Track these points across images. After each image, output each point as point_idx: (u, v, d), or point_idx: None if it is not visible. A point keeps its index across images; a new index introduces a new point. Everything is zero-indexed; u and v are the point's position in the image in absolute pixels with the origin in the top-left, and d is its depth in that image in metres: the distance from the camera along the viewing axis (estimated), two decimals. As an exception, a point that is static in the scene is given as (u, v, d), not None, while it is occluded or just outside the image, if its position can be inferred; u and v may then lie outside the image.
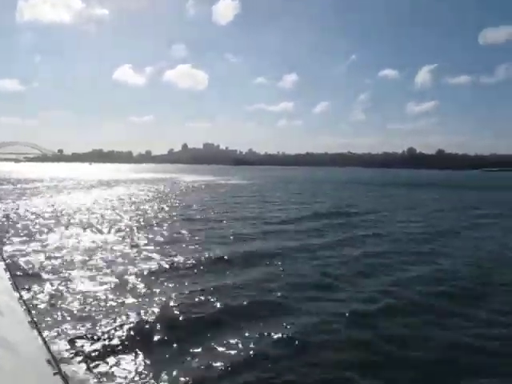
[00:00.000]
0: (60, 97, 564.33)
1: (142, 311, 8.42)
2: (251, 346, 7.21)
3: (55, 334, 7.19)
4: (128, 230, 18.84)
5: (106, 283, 10.21)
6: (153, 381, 6.05)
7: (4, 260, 9.12)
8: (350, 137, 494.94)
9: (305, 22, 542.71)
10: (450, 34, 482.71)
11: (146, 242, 15.83)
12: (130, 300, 9.13)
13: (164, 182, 63.19)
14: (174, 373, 6.24)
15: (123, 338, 7.30)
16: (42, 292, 9.37)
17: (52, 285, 9.89)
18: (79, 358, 6.40)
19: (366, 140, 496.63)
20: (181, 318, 8.26)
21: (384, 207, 31.68)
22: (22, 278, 10.10)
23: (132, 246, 14.84)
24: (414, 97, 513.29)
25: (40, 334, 3.90)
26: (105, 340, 7.14)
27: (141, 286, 10.24)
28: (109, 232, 18.10)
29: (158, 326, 7.83)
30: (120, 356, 6.66)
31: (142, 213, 25.32)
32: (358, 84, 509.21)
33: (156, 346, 7.17)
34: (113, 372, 6.18)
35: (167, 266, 12.02)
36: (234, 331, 7.74)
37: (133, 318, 8.09)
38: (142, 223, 20.89)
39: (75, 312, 8.27)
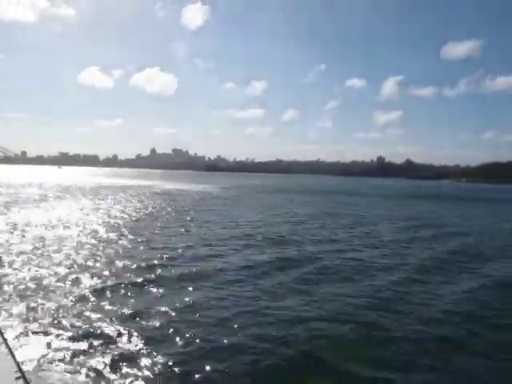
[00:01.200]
0: (23, 97, 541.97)
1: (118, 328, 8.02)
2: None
3: (24, 348, 7.02)
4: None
5: (82, 298, 9.66)
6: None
7: None
8: (318, 144, 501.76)
9: (275, 31, 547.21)
10: (415, 48, 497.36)
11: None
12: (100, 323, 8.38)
13: (150, 190, 59.94)
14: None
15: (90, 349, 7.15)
16: (11, 308, 8.81)
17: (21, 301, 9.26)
18: (48, 373, 6.32)
19: (333, 147, 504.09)
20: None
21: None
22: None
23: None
24: (380, 107, 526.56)
25: (8, 348, 3.79)
26: (77, 356, 6.92)
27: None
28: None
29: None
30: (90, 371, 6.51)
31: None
32: (327, 92, 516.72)
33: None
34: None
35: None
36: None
37: (105, 336, 7.73)
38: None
39: (46, 328, 7.93)
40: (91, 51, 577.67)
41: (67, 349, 7.10)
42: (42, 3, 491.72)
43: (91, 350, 7.12)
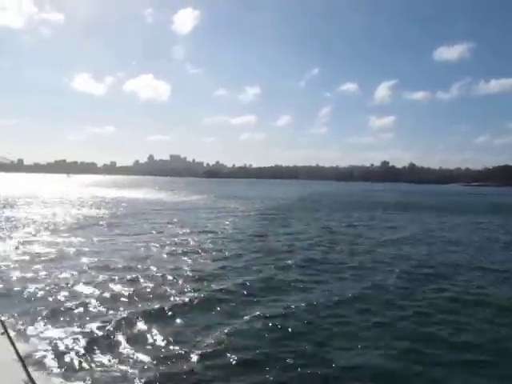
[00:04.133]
0: (14, 104, 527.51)
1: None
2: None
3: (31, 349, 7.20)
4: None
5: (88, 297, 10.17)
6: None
7: None
8: (313, 150, 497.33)
9: (266, 35, 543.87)
10: (407, 52, 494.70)
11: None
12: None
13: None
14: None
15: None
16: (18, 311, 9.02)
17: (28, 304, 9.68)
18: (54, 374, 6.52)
19: (329, 153, 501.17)
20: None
21: None
22: None
23: None
24: (373, 111, 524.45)
25: (16, 349, 3.76)
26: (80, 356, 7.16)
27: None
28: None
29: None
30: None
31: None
32: (320, 97, 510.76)
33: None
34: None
35: None
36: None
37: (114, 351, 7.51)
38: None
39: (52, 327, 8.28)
40: (82, 57, 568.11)
41: (74, 350, 7.30)
42: (29, 8, 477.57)
43: (98, 350, 7.34)
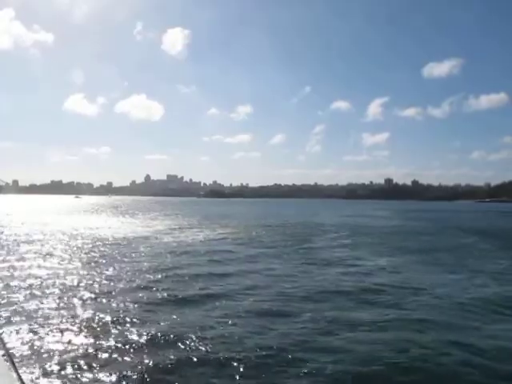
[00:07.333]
0: (7, 126, 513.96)
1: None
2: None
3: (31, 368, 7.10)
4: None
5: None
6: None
7: None
8: (309, 168, 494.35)
9: (257, 54, 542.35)
10: (397, 69, 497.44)
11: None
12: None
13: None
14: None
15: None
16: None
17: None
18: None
19: (324, 172, 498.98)
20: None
21: None
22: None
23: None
24: (367, 129, 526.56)
25: (14, 366, 3.67)
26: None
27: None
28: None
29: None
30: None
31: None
32: (313, 115, 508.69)
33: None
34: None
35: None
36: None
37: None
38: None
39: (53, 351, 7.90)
40: (72, 78, 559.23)
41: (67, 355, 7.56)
42: (18, 29, 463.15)
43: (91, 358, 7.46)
